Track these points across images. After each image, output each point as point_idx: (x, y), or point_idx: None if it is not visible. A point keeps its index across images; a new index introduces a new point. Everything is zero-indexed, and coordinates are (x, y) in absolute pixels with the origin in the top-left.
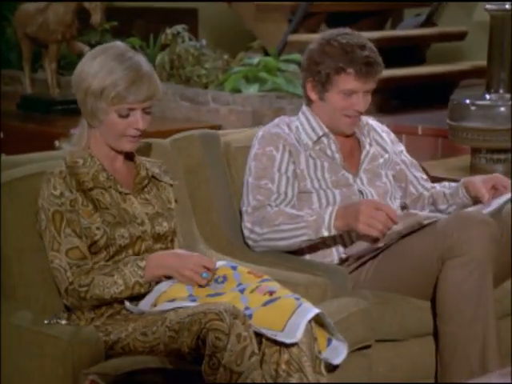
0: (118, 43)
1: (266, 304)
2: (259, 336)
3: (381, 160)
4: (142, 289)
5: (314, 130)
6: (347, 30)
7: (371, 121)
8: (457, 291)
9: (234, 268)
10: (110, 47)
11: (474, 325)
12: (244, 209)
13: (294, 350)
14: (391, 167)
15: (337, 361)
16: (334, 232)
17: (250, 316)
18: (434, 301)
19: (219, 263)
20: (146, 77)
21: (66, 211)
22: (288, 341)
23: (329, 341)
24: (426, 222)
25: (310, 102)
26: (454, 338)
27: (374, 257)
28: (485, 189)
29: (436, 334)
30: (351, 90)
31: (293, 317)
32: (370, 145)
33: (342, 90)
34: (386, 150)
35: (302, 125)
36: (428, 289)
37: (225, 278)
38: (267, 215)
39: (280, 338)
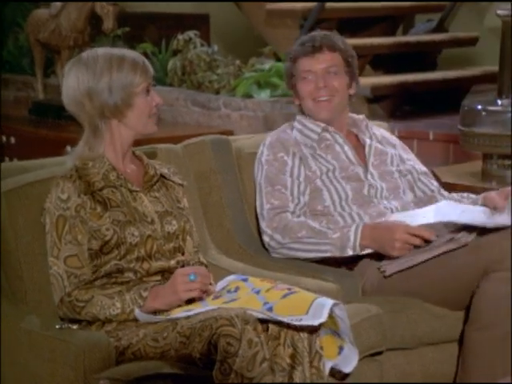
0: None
1: (285, 296)
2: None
3: (388, 156)
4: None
5: (311, 130)
6: None
7: (370, 122)
8: (496, 305)
9: (244, 280)
10: (89, 55)
11: (506, 340)
12: (259, 211)
13: (299, 344)
14: (401, 164)
15: (348, 369)
16: (359, 251)
17: (271, 308)
18: (455, 306)
19: (229, 278)
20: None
21: (70, 217)
22: (316, 322)
23: (340, 349)
24: (470, 239)
25: (300, 109)
26: (482, 345)
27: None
28: (499, 197)
29: (450, 341)
30: (307, 71)
31: (316, 301)
32: (371, 138)
33: (300, 75)
34: (388, 147)
35: (300, 131)
36: (462, 299)
37: (237, 287)
38: (289, 225)
39: (306, 320)
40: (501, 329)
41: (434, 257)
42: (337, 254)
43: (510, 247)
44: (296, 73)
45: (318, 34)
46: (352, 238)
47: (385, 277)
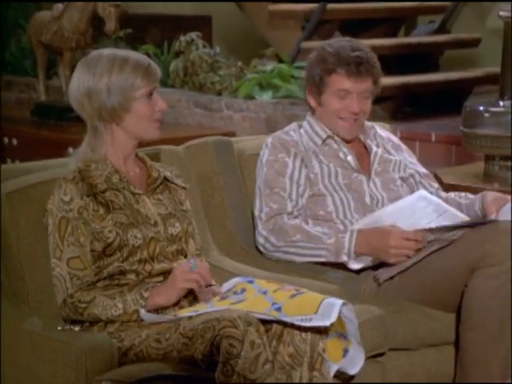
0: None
1: (293, 296)
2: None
3: (392, 163)
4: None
5: (317, 134)
6: (346, 38)
7: (378, 129)
8: (485, 303)
9: (250, 282)
10: (94, 55)
11: (498, 339)
12: (257, 214)
13: (302, 345)
14: (403, 170)
15: (354, 371)
16: (353, 257)
17: (279, 308)
18: (448, 308)
19: (235, 280)
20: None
21: (72, 218)
22: (326, 322)
23: (345, 351)
24: (456, 237)
25: (312, 110)
26: (476, 345)
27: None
28: (494, 207)
29: (451, 343)
30: (344, 90)
31: (325, 301)
32: (378, 146)
33: (335, 90)
34: (393, 155)
35: (307, 132)
36: (453, 300)
37: (243, 289)
38: (284, 227)
39: (316, 320)
40: (491, 328)
41: (424, 258)
42: (331, 259)
43: (495, 244)
44: (328, 84)
45: (362, 52)
46: (347, 245)
47: (379, 284)
